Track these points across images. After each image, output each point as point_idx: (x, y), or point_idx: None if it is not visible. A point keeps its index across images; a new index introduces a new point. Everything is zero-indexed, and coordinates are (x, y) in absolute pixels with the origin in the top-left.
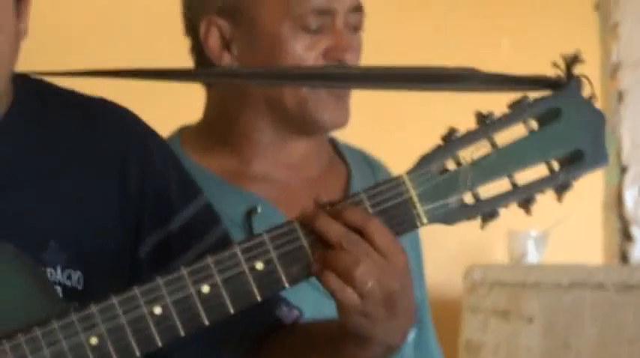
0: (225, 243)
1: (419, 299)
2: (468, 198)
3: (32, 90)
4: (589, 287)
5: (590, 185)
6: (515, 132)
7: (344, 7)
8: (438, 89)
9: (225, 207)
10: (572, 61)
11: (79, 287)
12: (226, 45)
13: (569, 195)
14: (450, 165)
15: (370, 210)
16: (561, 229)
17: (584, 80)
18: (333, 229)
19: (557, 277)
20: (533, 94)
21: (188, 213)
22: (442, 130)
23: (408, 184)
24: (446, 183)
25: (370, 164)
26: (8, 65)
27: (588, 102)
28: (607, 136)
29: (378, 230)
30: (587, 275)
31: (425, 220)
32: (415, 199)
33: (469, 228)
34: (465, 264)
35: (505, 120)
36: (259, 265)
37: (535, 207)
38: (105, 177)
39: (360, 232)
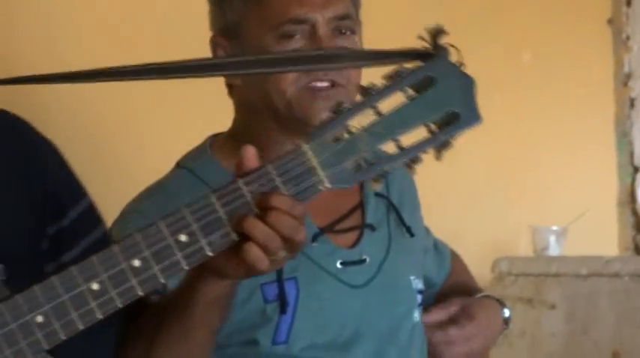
0: (107, 242)
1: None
2: (361, 162)
3: None
4: (606, 277)
5: (606, 184)
6: (397, 100)
7: (324, 16)
8: (318, 69)
9: None
10: (437, 32)
11: (3, 278)
12: None
13: (585, 193)
14: (343, 134)
15: (277, 179)
16: (580, 224)
17: (451, 49)
18: (258, 229)
19: (576, 268)
20: (408, 65)
21: (78, 210)
22: None
23: (309, 153)
24: (341, 150)
25: None
26: None
27: (457, 68)
28: (619, 140)
29: (301, 213)
30: (603, 265)
31: (327, 184)
32: (316, 166)
33: (496, 225)
34: (492, 257)
35: (386, 90)
36: (183, 237)
37: (556, 205)
38: (9, 180)
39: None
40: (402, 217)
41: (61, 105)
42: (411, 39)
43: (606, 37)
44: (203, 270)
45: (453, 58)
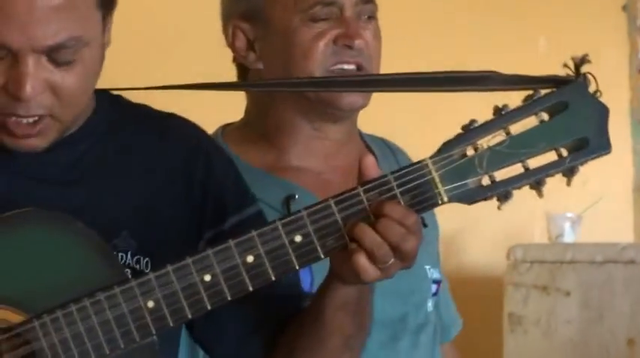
0: None
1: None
2: (485, 181)
3: (112, 102)
4: (621, 264)
5: (621, 171)
6: (529, 123)
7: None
8: (464, 90)
9: (265, 195)
10: (581, 61)
11: (147, 271)
12: (250, 45)
13: (601, 180)
14: (469, 151)
15: (396, 189)
16: (595, 211)
17: (590, 77)
18: (368, 235)
19: (591, 255)
20: (545, 90)
21: (240, 217)
22: (463, 121)
23: (431, 167)
24: (465, 167)
25: (392, 150)
26: (95, 75)
27: (593, 97)
28: (634, 126)
29: (415, 223)
30: (619, 252)
31: (445, 199)
32: (437, 180)
33: (511, 212)
34: (507, 244)
35: (518, 112)
36: (298, 238)
37: (570, 192)
38: (173, 181)
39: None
40: None
41: None
42: (425, 26)
43: (621, 23)
44: (330, 275)
45: (592, 86)
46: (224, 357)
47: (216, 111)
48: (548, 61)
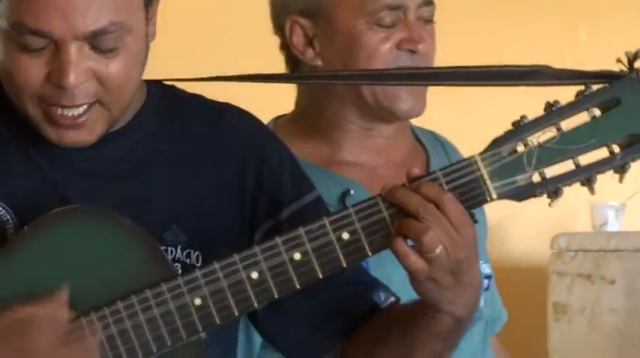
0: None
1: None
2: (536, 177)
3: (164, 93)
4: None
5: None
6: (580, 119)
7: (415, 1)
8: (514, 84)
9: (321, 191)
10: (635, 56)
11: (197, 265)
12: (309, 41)
13: None
14: (519, 148)
15: (445, 186)
16: (638, 199)
17: None
18: (412, 199)
19: (635, 243)
20: (597, 86)
21: (297, 205)
22: (513, 116)
23: (480, 164)
24: (514, 164)
25: (441, 143)
26: (140, 65)
27: None
28: None
29: (451, 202)
30: None
31: (494, 196)
32: (485, 177)
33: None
34: (551, 233)
35: (569, 108)
36: (345, 235)
37: (613, 180)
38: (225, 172)
39: (436, 205)
40: None
41: None
42: (464, 14)
43: None
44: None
45: None
46: (290, 348)
47: (264, 102)
48: (589, 49)
